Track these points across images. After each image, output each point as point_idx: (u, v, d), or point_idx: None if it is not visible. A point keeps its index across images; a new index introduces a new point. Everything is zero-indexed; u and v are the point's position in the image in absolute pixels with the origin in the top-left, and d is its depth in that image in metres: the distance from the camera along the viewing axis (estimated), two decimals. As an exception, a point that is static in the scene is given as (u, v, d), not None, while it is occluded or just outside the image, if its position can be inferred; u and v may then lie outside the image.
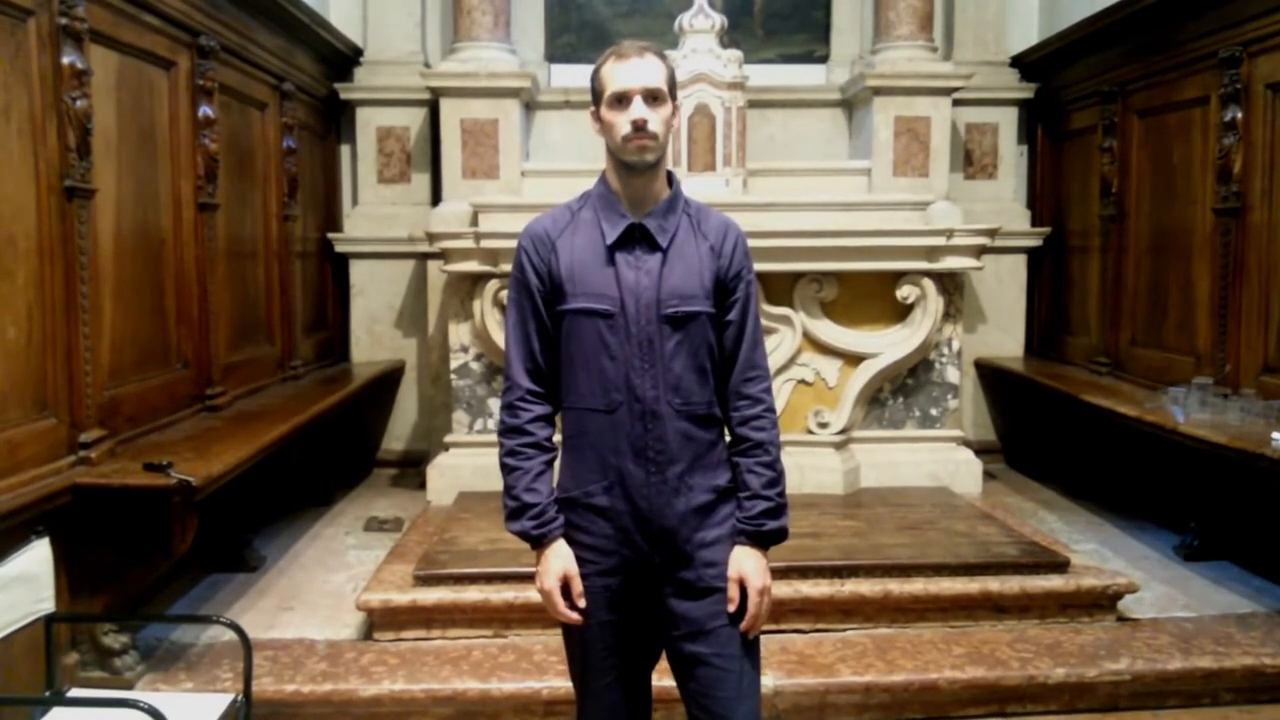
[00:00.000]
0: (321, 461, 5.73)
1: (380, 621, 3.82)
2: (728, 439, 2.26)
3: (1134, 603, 4.08)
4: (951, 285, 5.31)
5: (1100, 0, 5.59)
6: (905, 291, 5.20)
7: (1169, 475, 4.99)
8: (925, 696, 3.49)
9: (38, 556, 2.60)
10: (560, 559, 2.16)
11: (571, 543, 2.19)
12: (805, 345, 5.24)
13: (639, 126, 2.11)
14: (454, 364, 5.33)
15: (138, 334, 3.90)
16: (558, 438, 2.23)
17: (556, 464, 2.25)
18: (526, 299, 2.22)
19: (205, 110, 4.39)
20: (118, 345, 3.73)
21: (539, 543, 2.18)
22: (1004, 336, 6.62)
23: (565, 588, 2.16)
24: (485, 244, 5.01)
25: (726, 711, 2.14)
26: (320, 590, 4.39)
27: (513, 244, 2.36)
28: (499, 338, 4.98)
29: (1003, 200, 6.62)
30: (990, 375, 6.56)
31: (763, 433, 2.21)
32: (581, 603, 2.16)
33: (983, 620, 3.92)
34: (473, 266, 5.10)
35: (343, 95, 6.39)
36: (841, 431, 5.25)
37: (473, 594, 3.83)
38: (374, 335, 6.47)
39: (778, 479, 2.21)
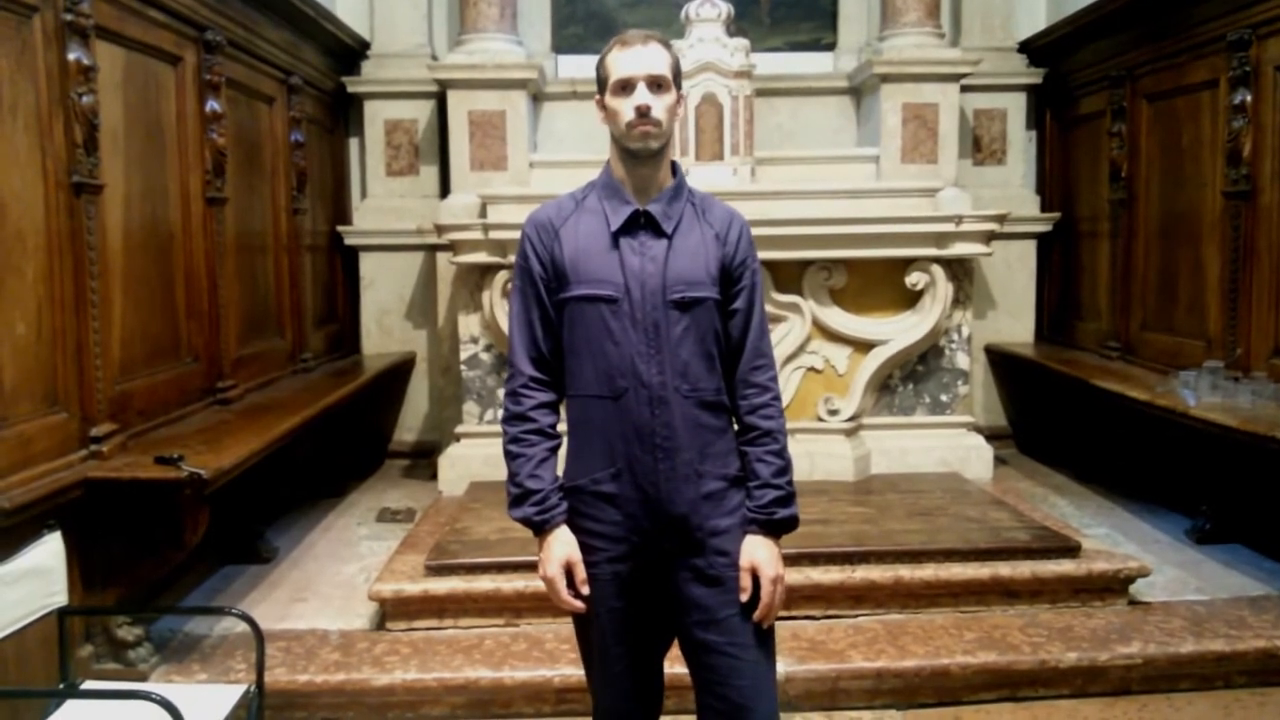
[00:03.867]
0: (333, 453, 5.75)
1: (393, 611, 3.84)
2: (735, 427, 2.25)
3: (1146, 586, 4.07)
4: (961, 271, 5.31)
5: (1107, -16, 5.56)
6: (914, 278, 5.19)
7: (1180, 459, 4.97)
8: (937, 682, 3.49)
9: (50, 550, 2.61)
10: (563, 545, 2.16)
11: (580, 531, 2.18)
12: (815, 333, 5.24)
13: (643, 113, 2.11)
14: (464, 355, 5.35)
15: (148, 328, 3.91)
16: (562, 426, 2.23)
17: (562, 452, 2.24)
18: (530, 286, 2.23)
19: (212, 105, 4.39)
20: (128, 340, 3.74)
21: (541, 529, 2.17)
22: (1014, 322, 6.60)
23: (569, 575, 2.15)
24: (493, 235, 5.02)
25: (742, 700, 2.12)
26: (333, 581, 4.41)
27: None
28: (508, 328, 4.98)
29: (1011, 186, 6.60)
30: (1000, 361, 6.54)
31: (771, 421, 2.20)
32: (585, 590, 2.15)
33: (994, 605, 3.92)
34: (481, 258, 5.11)
35: (350, 88, 6.40)
36: (852, 419, 5.25)
37: (484, 583, 3.85)
38: (384, 327, 6.49)
39: (786, 467, 2.20)
